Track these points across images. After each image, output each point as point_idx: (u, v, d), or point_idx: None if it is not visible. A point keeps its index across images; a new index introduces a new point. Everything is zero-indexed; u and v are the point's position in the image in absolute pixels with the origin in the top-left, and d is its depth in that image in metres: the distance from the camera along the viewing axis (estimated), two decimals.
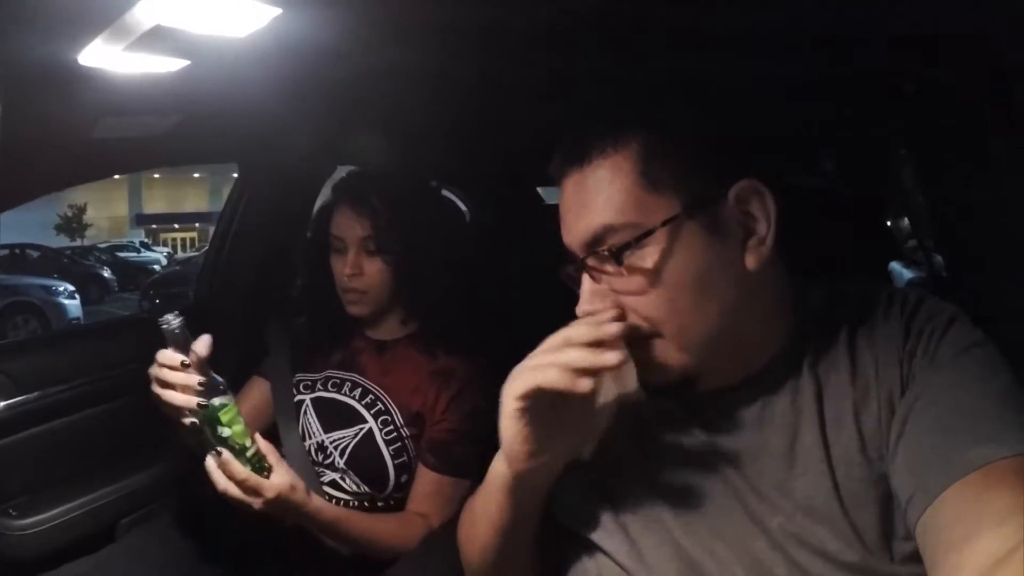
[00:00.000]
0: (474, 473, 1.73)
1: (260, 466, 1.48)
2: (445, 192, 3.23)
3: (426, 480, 1.79)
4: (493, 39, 1.43)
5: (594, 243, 1.01)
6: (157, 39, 1.18)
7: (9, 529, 1.96)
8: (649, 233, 0.97)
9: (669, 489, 1.09)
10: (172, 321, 1.44)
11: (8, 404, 2.03)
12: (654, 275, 0.98)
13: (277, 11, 1.11)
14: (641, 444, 1.14)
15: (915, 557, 0.91)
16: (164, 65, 1.36)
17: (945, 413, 0.92)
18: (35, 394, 2.09)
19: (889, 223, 3.38)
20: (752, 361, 1.07)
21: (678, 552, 1.06)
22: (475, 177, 3.25)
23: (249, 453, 1.46)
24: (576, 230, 1.04)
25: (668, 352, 1.01)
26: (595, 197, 1.01)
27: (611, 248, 0.98)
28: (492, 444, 1.47)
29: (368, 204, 1.84)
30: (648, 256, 0.98)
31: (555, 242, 1.09)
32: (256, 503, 1.47)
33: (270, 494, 1.46)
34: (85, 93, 1.44)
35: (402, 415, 1.83)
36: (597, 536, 1.14)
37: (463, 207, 3.23)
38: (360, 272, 1.84)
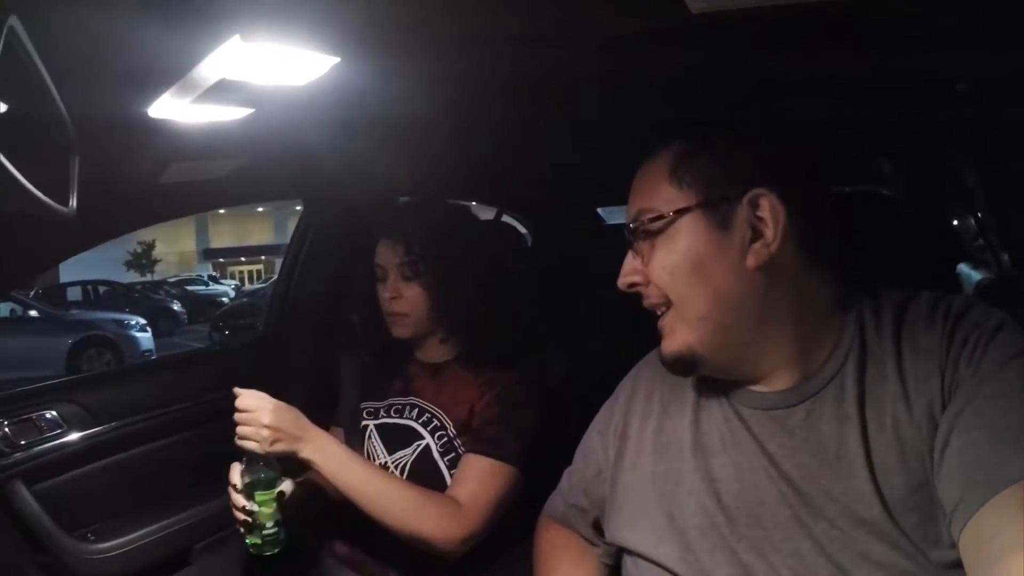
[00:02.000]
0: (512, 459, 1.74)
1: (272, 543, 1.62)
2: (506, 217, 3.29)
3: (463, 463, 1.79)
4: (540, 75, 1.48)
5: (633, 221, 1.18)
6: (222, 91, 1.25)
7: (87, 553, 2.01)
8: (662, 218, 1.13)
9: (722, 495, 1.13)
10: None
11: (85, 435, 2.11)
12: (662, 252, 1.14)
13: (335, 60, 1.18)
14: (696, 448, 1.19)
15: (958, 564, 0.92)
16: (229, 114, 1.44)
17: (990, 424, 0.92)
18: (111, 425, 2.16)
19: (956, 223, 3.32)
20: (781, 364, 1.12)
21: (731, 557, 1.09)
22: (536, 202, 3.30)
23: (265, 532, 1.61)
24: (628, 212, 1.21)
25: (676, 322, 1.15)
26: (642, 186, 1.20)
27: (638, 224, 1.16)
28: (534, 437, 1.51)
29: (403, 232, 1.90)
30: (660, 236, 1.14)
31: (614, 260, 1.23)
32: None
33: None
34: (155, 142, 1.53)
35: (454, 426, 1.86)
36: (654, 546, 1.18)
37: (523, 231, 3.27)
38: (399, 296, 1.90)
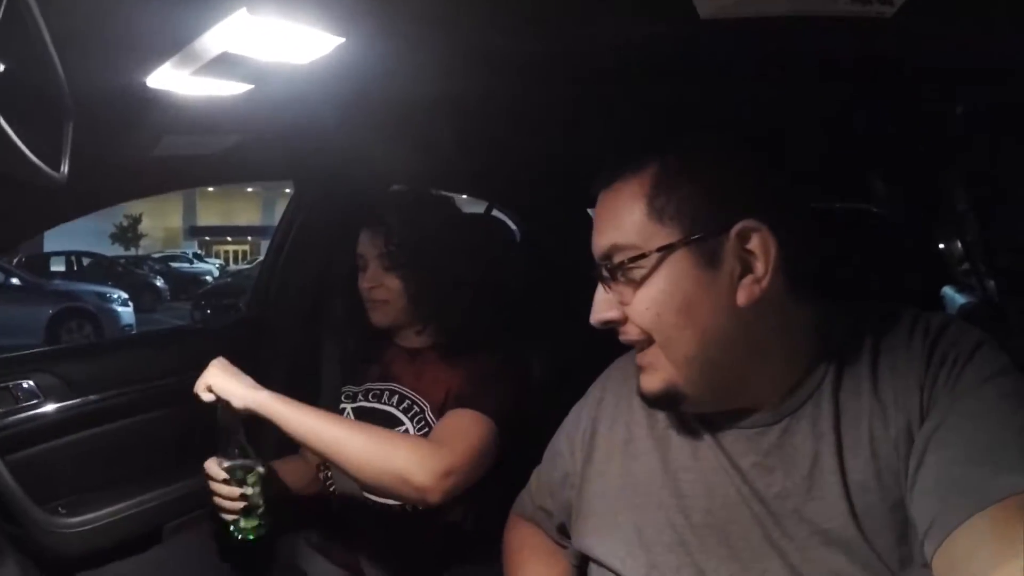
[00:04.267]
0: (488, 412, 1.72)
1: (265, 524, 1.67)
2: (496, 212, 3.29)
3: (442, 419, 1.77)
4: (543, 69, 1.47)
5: (605, 257, 1.10)
6: (223, 65, 1.24)
7: (57, 527, 1.98)
8: (643, 256, 1.05)
9: (691, 512, 1.11)
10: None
11: (61, 406, 2.08)
12: (645, 292, 1.06)
13: (341, 40, 1.17)
14: (666, 468, 1.17)
15: None
16: (228, 89, 1.42)
17: (965, 443, 0.91)
18: (88, 398, 2.14)
19: (942, 246, 3.32)
20: (761, 391, 1.09)
21: (697, 574, 1.08)
22: (527, 198, 3.31)
23: (260, 511, 1.65)
24: (596, 245, 1.12)
25: (659, 359, 1.08)
26: (612, 217, 1.10)
27: (614, 264, 1.08)
28: (510, 406, 1.50)
29: (383, 223, 1.92)
30: (641, 275, 1.06)
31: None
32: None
33: None
34: (151, 113, 1.51)
35: (431, 410, 1.87)
36: (621, 560, 1.16)
37: (513, 226, 3.27)
38: (379, 285, 1.92)
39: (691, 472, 1.14)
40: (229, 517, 1.66)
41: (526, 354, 1.97)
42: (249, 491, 1.61)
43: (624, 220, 1.07)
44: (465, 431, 1.68)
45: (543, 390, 1.93)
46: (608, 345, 1.23)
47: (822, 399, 1.06)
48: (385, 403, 1.93)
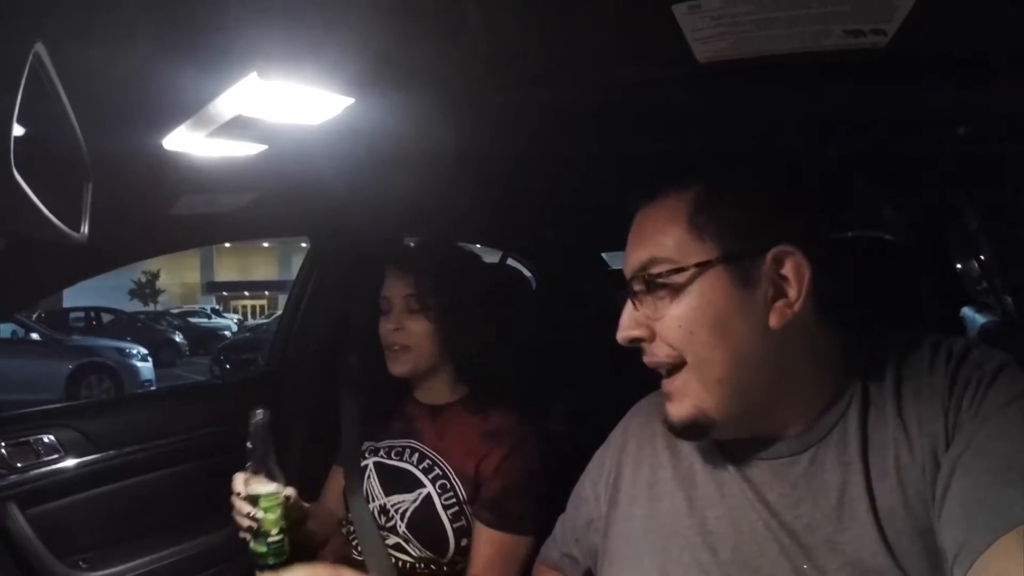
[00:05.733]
0: (532, 530, 1.74)
1: (276, 551, 1.62)
2: (511, 261, 3.30)
3: (484, 539, 1.78)
4: (548, 119, 1.50)
5: (640, 270, 1.10)
6: (237, 127, 1.27)
7: None
8: (681, 270, 1.06)
9: (718, 548, 1.11)
10: (258, 415, 1.63)
11: (82, 461, 2.10)
12: (678, 307, 1.07)
13: (349, 101, 1.20)
14: (692, 501, 1.16)
15: None
16: (242, 149, 1.46)
17: (991, 465, 0.90)
18: (108, 453, 2.16)
19: (960, 266, 3.30)
20: (787, 417, 1.09)
21: None
22: (541, 245, 3.33)
23: (270, 539, 1.61)
24: (631, 259, 1.13)
25: (690, 383, 1.08)
26: (651, 231, 1.11)
27: (649, 275, 1.08)
28: (548, 500, 1.51)
29: (412, 265, 1.92)
30: (676, 290, 1.07)
31: (617, 305, 1.16)
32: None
33: None
34: (168, 173, 1.55)
35: (459, 478, 1.85)
36: None
37: (528, 274, 3.28)
38: (402, 328, 1.91)
39: (717, 508, 1.13)
40: (244, 535, 1.66)
41: (546, 403, 1.97)
42: (260, 515, 1.61)
43: (664, 234, 1.09)
44: (511, 562, 1.74)
45: (565, 436, 1.92)
46: (629, 388, 1.24)
47: (848, 427, 1.06)
48: (406, 461, 1.90)
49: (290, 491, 1.67)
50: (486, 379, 1.92)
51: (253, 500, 1.62)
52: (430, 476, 1.85)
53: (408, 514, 1.83)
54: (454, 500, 1.82)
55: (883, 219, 2.94)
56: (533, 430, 1.87)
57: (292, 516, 1.67)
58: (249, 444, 1.63)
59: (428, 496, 1.83)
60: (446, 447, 1.89)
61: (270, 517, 1.61)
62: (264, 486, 1.62)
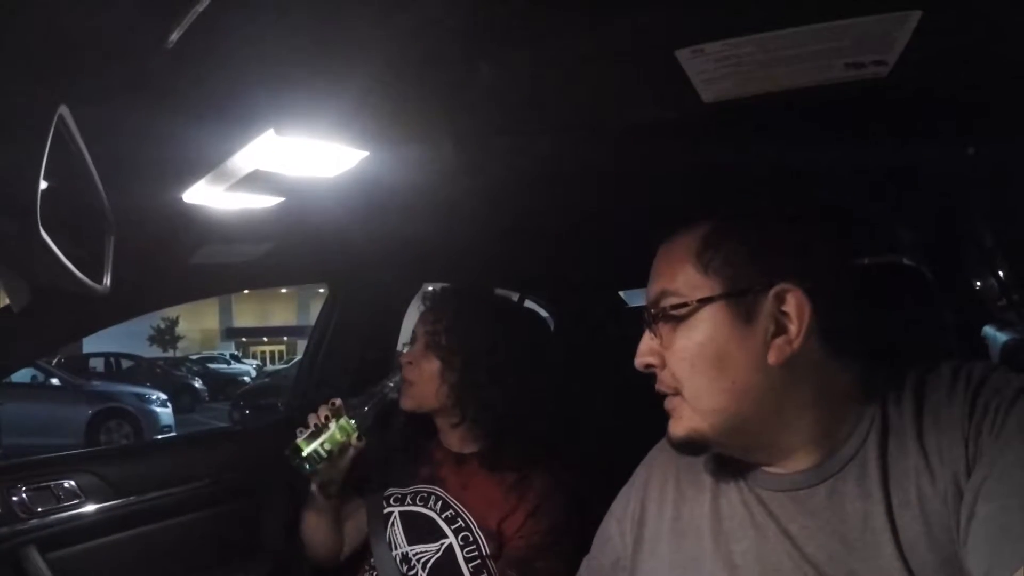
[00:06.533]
0: None
1: (312, 460, 1.76)
2: (528, 302, 3.31)
3: None
4: (561, 162, 1.53)
5: (654, 303, 1.14)
6: (255, 181, 1.30)
7: None
8: (685, 305, 1.09)
9: None
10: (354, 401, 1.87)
11: (102, 507, 2.10)
12: (683, 339, 1.11)
13: (365, 153, 1.23)
14: (717, 543, 1.16)
15: None
16: (260, 202, 1.49)
17: (1014, 491, 0.89)
18: (128, 499, 2.15)
19: (979, 284, 3.26)
20: (797, 446, 1.10)
21: None
22: (558, 285, 3.34)
23: (317, 446, 1.77)
24: (649, 291, 1.18)
25: (684, 408, 1.12)
26: (666, 267, 1.15)
27: (660, 307, 1.12)
28: (576, 558, 1.50)
29: (438, 306, 1.97)
30: (681, 323, 1.11)
31: (636, 343, 1.19)
32: None
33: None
34: (187, 225, 1.58)
35: (482, 532, 1.81)
36: None
37: (546, 314, 3.29)
38: (413, 363, 1.93)
39: (742, 542, 1.13)
40: (300, 429, 1.80)
41: (569, 449, 1.97)
42: (332, 425, 1.77)
43: (675, 270, 1.13)
44: None
45: (588, 475, 1.92)
46: (650, 426, 1.25)
47: (868, 458, 1.05)
48: (430, 508, 1.89)
49: (361, 444, 1.82)
50: (503, 432, 1.90)
51: (337, 413, 1.79)
52: (453, 527, 1.84)
53: (430, 564, 1.81)
54: (476, 554, 1.80)
55: (899, 242, 2.95)
56: (557, 482, 1.86)
57: (344, 458, 1.82)
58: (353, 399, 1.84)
59: (450, 547, 1.81)
60: (469, 498, 1.87)
61: (335, 435, 1.76)
62: (352, 411, 1.81)
